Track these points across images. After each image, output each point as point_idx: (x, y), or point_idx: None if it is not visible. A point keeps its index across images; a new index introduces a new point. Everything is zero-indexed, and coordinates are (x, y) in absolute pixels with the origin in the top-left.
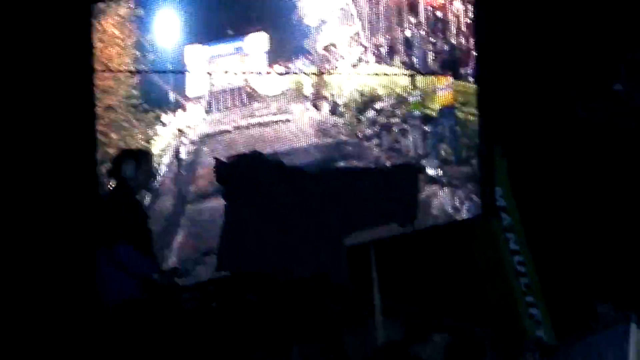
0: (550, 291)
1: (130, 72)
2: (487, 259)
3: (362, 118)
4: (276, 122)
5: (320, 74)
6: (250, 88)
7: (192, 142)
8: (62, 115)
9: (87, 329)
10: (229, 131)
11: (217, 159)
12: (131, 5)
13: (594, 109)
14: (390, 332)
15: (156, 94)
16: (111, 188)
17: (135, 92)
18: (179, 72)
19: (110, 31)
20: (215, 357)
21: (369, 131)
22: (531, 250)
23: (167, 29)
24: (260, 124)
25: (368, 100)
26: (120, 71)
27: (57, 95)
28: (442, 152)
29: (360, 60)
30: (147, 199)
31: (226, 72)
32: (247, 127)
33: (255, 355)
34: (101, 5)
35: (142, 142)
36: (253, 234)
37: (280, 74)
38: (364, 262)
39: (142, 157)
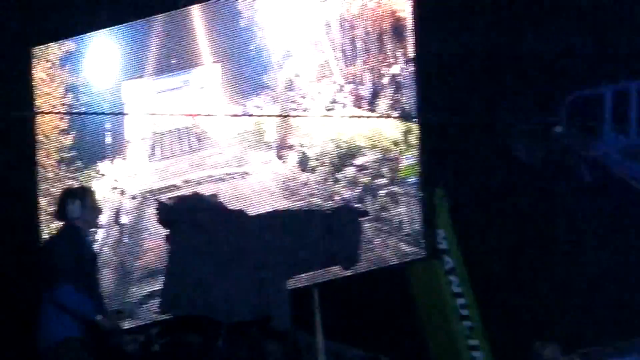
0: (493, 334)
1: (61, 113)
2: (429, 301)
3: (340, 176)
4: (232, 175)
5: (284, 116)
6: (201, 129)
7: (133, 198)
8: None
9: None
10: (176, 186)
11: (158, 201)
12: (61, 46)
13: (532, 150)
14: None
15: (91, 142)
16: (59, 229)
17: (66, 142)
18: (115, 113)
19: (38, 77)
20: None
21: (348, 194)
22: (474, 292)
23: (103, 64)
24: (213, 179)
25: (345, 154)
26: (51, 112)
27: None
28: None
29: (334, 101)
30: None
31: (170, 114)
32: (199, 182)
33: None
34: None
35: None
36: (196, 276)
37: (235, 116)
38: (307, 304)
39: (86, 195)
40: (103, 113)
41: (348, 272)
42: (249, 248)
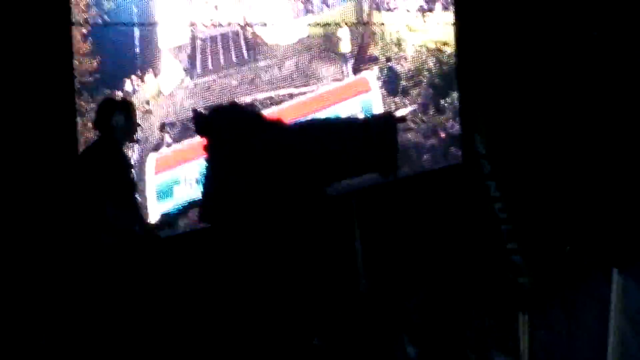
0: (530, 238)
1: (83, 24)
2: (468, 206)
3: (445, 103)
4: (295, 96)
5: (363, 23)
6: (253, 34)
7: (172, 126)
8: (39, 72)
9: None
10: None
11: (195, 110)
12: None
13: None
14: (375, 284)
15: (119, 61)
16: (95, 141)
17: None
18: (143, 24)
19: None
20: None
21: (456, 127)
22: (510, 197)
23: None
24: (272, 101)
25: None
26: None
27: (34, 52)
28: None
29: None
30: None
31: (214, 22)
32: (253, 106)
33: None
34: None
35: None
36: (233, 184)
37: (294, 19)
38: (346, 212)
39: (128, 107)
40: (127, 23)
41: (387, 179)
42: (287, 155)
